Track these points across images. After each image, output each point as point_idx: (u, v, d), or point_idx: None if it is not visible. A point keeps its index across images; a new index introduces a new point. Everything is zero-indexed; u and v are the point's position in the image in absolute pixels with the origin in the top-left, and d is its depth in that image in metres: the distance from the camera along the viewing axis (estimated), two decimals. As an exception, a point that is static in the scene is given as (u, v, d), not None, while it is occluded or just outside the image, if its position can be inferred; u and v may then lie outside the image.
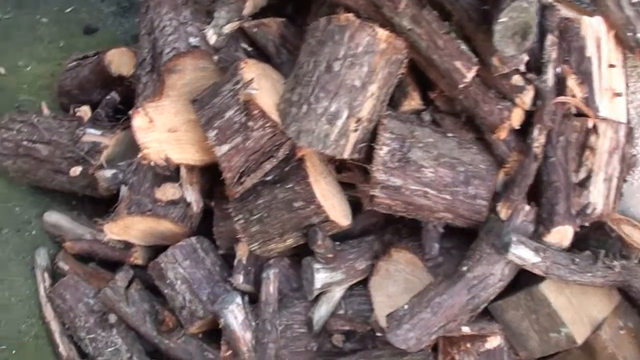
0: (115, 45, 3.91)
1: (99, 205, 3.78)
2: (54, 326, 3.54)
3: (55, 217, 3.74)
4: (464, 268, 2.78)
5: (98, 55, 3.84)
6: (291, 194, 2.91)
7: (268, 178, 2.97)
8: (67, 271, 3.65)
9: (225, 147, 2.86)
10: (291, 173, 2.93)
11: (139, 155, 3.12)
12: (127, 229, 3.34)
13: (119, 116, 3.71)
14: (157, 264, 3.27)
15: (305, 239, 3.00)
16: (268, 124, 2.81)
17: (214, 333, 3.34)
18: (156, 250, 3.47)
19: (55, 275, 3.70)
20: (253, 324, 3.08)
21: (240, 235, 3.06)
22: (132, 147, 3.51)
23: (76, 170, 3.50)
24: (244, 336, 3.06)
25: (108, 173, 3.44)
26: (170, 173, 3.22)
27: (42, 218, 3.77)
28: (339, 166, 3.11)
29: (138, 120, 3.11)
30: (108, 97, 3.73)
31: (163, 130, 3.14)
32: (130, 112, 3.14)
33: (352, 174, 3.06)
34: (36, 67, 4.30)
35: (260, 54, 3.25)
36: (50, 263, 3.73)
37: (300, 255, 3.18)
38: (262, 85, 2.85)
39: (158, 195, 3.27)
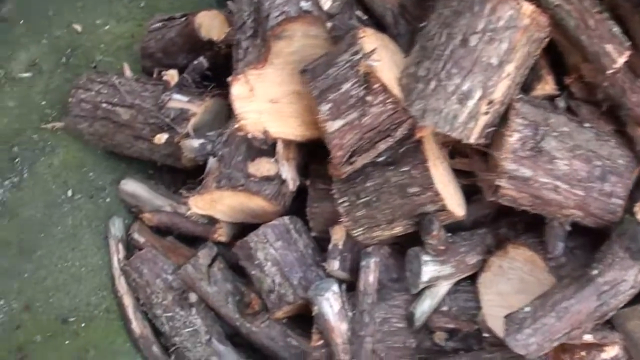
0: (203, 8, 3.65)
1: (177, 175, 3.59)
2: (127, 301, 3.34)
3: (132, 186, 3.53)
4: (594, 272, 2.54)
5: (186, 17, 3.60)
6: (406, 178, 2.68)
7: (380, 159, 2.74)
8: (143, 243, 3.44)
9: (338, 123, 2.63)
10: (407, 155, 2.70)
11: (235, 126, 2.90)
12: (214, 203, 3.13)
13: (205, 83, 3.48)
14: (246, 243, 3.06)
15: (416, 227, 2.76)
16: (389, 100, 2.56)
17: (299, 319, 3.14)
18: (241, 228, 3.26)
19: (129, 247, 3.50)
20: (349, 314, 2.86)
21: (343, 219, 2.83)
22: (220, 117, 3.32)
23: (161, 138, 3.28)
24: (340, 327, 2.85)
25: (195, 143, 3.23)
26: (267, 147, 2.98)
27: (118, 186, 3.56)
28: (451, 151, 2.86)
29: (238, 88, 2.88)
30: (195, 62, 3.48)
31: (264, 101, 2.91)
32: (229, 78, 2.90)
33: (468, 160, 2.81)
34: (115, 26, 4.07)
35: (375, 23, 2.99)
36: (125, 234, 3.50)
37: (401, 244, 2.95)
38: (382, 57, 2.61)
39: (251, 170, 3.05)
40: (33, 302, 3.40)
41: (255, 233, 3.04)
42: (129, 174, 3.64)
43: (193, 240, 3.42)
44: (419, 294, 2.89)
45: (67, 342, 3.32)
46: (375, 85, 2.56)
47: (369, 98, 2.58)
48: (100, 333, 3.35)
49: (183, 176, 3.55)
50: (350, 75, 2.60)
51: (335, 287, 2.86)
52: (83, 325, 3.36)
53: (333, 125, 2.63)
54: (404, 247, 2.92)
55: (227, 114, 3.41)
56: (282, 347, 3.16)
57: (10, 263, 3.48)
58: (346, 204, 2.81)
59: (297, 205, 3.17)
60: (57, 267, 3.48)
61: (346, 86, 2.61)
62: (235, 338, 3.26)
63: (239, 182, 3.03)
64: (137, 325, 3.28)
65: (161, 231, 3.48)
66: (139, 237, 3.45)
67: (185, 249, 3.38)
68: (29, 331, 3.34)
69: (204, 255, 3.17)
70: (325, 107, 2.64)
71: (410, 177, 2.67)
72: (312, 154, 3.11)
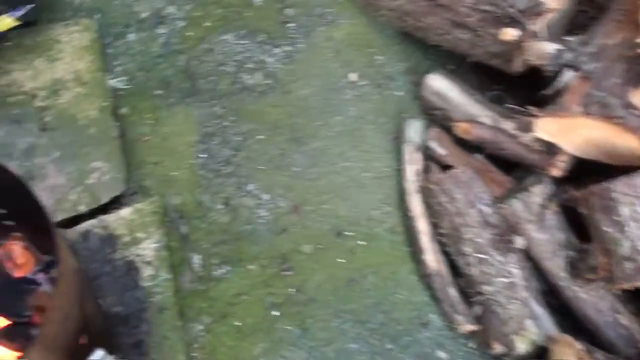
0: None
1: (484, 77, 2.88)
2: (422, 225, 2.73)
3: (442, 84, 2.84)
4: None
5: None
6: None
7: None
8: (443, 157, 2.80)
9: None
10: None
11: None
12: (569, 130, 2.45)
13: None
14: (607, 191, 2.37)
15: None
16: None
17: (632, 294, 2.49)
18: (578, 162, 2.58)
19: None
20: None
21: None
22: (565, 20, 2.59)
23: (508, 33, 2.57)
24: None
25: (550, 47, 2.53)
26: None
27: (424, 80, 2.86)
28: None
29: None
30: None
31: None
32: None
33: None
34: None
35: None
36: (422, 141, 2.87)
37: None
38: None
39: (635, 100, 2.33)
40: (303, 203, 2.83)
41: (627, 182, 2.34)
42: (425, 66, 2.96)
43: (504, 166, 2.74)
44: None
45: (340, 259, 2.75)
46: None
47: None
48: (381, 257, 2.76)
49: (490, 81, 2.86)
50: None
51: None
52: (361, 243, 2.78)
53: None
54: None
55: (571, 17, 2.70)
56: (608, 324, 2.53)
57: (279, 150, 2.91)
58: None
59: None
60: (334, 165, 2.88)
61: None
62: (547, 296, 2.62)
63: (616, 113, 2.32)
64: (433, 259, 2.68)
65: (465, 144, 2.80)
66: (438, 148, 2.80)
67: (498, 174, 2.72)
68: (295, 238, 2.78)
69: (539, 191, 2.51)
70: None
71: None
72: None
